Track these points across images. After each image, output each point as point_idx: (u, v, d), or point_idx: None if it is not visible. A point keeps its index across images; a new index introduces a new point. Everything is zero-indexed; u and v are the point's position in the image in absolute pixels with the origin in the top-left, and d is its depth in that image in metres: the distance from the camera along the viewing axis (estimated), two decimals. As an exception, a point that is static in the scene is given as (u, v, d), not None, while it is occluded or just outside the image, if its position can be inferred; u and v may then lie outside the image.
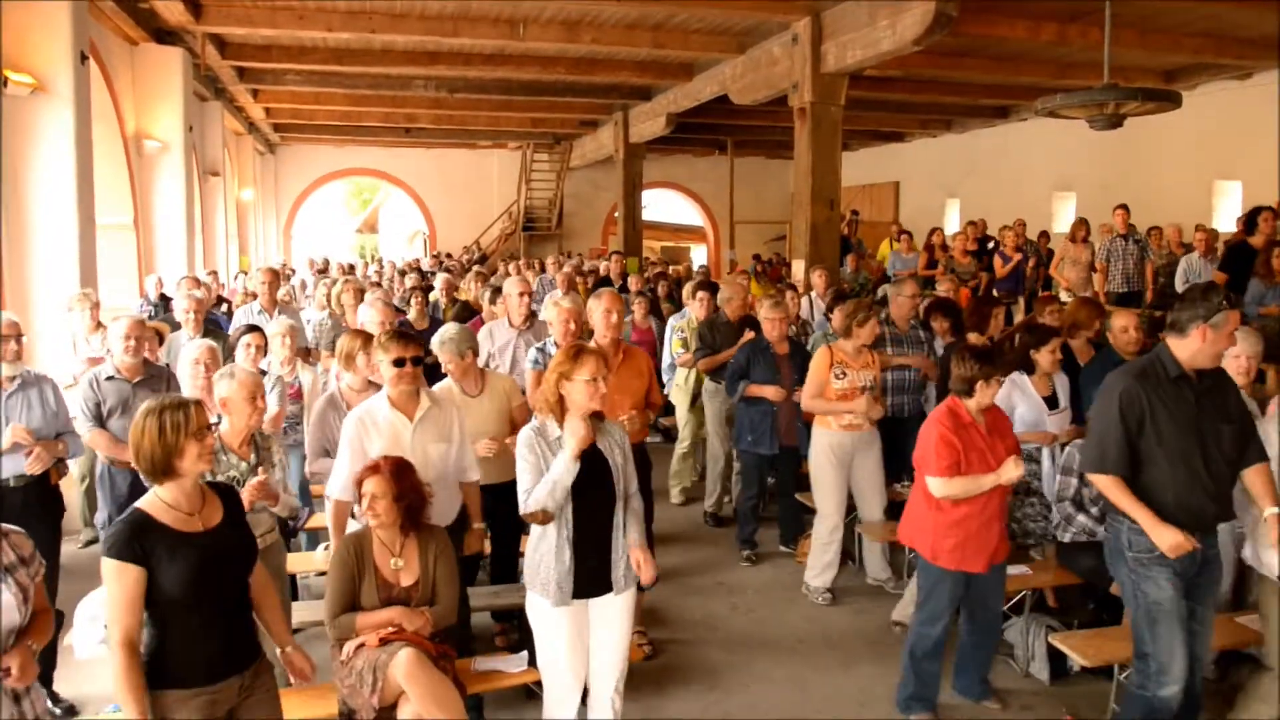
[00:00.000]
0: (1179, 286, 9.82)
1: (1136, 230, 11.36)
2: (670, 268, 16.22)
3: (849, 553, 6.50)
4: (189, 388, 4.99)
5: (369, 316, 5.98)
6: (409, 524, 3.92)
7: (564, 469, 3.57)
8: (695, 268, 16.05)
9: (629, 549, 3.80)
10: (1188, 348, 3.62)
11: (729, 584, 6.32)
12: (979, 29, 10.31)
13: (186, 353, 5.10)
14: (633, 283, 11.48)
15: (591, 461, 3.66)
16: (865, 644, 5.40)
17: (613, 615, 3.82)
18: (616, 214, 19.65)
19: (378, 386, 4.72)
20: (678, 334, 7.85)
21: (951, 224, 18.30)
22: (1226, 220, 13.47)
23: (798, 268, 10.69)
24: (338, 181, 26.88)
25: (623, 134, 17.70)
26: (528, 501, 3.61)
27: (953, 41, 11.20)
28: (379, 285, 12.64)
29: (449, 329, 5.19)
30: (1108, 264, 11.12)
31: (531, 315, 6.75)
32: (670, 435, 9.01)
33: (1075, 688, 4.85)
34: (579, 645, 3.79)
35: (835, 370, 5.85)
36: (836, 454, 5.93)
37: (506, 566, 5.34)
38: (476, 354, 5.23)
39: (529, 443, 3.69)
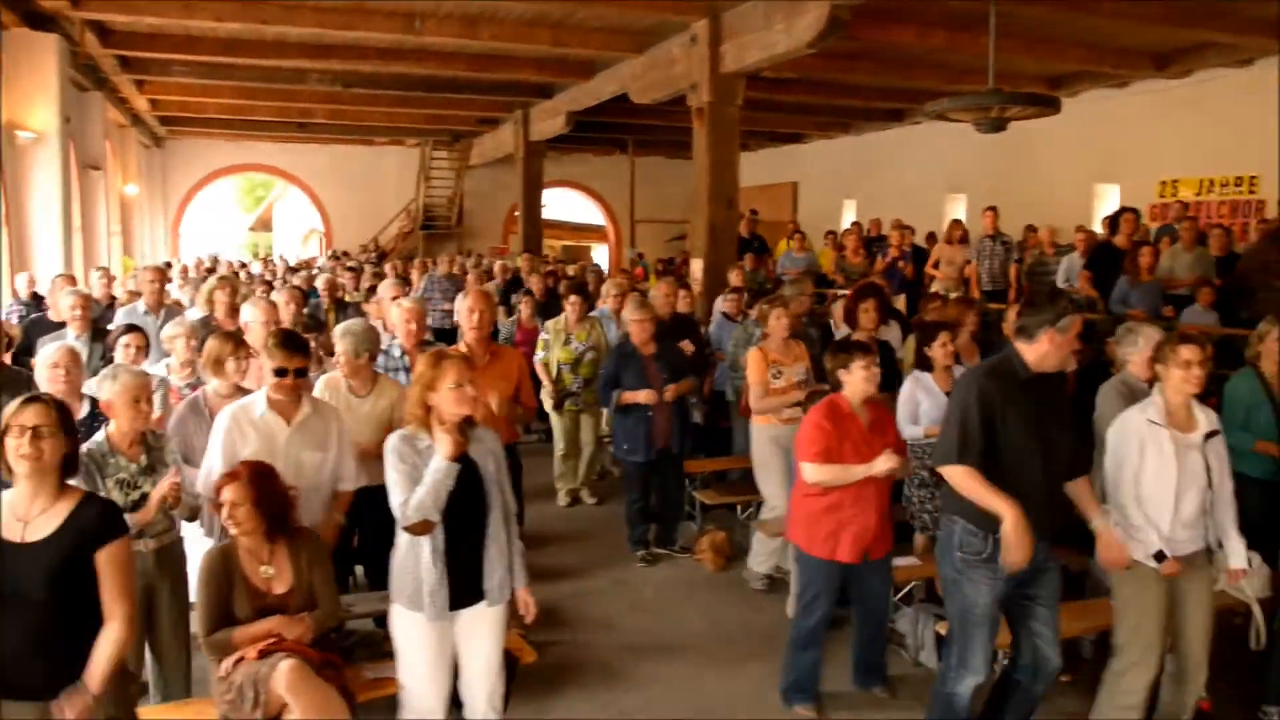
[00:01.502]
0: (1060, 286, 10.18)
1: (1004, 232, 11.74)
2: (563, 267, 16.16)
3: (744, 549, 6.55)
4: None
5: (252, 315, 5.77)
6: (275, 530, 3.78)
7: (444, 472, 3.48)
8: (590, 266, 15.98)
9: (517, 591, 3.75)
10: (1036, 351, 3.66)
11: (626, 583, 6.31)
12: (872, 33, 10.52)
13: (42, 356, 4.72)
14: (534, 282, 11.41)
15: (463, 470, 3.57)
16: (762, 640, 5.43)
17: (484, 627, 3.73)
18: (517, 213, 19.50)
19: (246, 393, 4.55)
20: (542, 334, 7.81)
21: (847, 225, 18.62)
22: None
23: (696, 267, 10.75)
24: (230, 177, 26.08)
25: (523, 132, 17.57)
26: (408, 511, 3.49)
27: (847, 45, 11.40)
28: (269, 284, 12.26)
29: (357, 323, 5.09)
30: (977, 263, 11.48)
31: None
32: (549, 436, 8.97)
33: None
34: (442, 659, 3.69)
35: (772, 370, 5.93)
36: (778, 445, 5.99)
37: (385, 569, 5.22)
38: (374, 358, 5.12)
39: (398, 451, 3.56)
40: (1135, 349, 4.74)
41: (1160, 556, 3.85)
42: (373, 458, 4.32)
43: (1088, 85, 13.96)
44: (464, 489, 3.56)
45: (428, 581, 3.56)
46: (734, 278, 9.66)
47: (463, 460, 3.56)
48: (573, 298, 7.99)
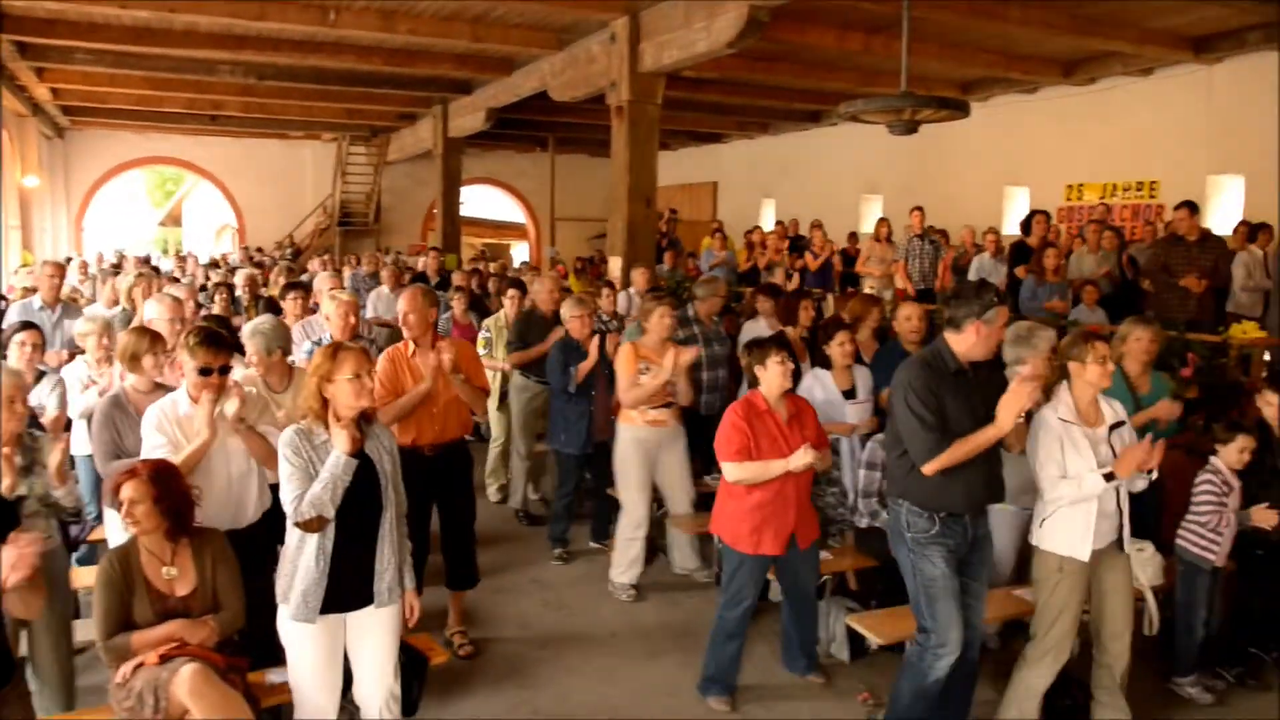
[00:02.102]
0: (971, 285, 10.40)
1: (932, 231, 11.98)
2: (486, 264, 16.06)
3: (660, 546, 6.57)
4: None
5: (156, 312, 5.60)
6: (176, 529, 3.67)
7: (341, 467, 3.42)
8: (516, 264, 15.93)
9: (405, 594, 3.72)
10: (964, 342, 3.84)
11: (542, 581, 6.28)
12: (791, 35, 10.66)
13: None
14: (456, 278, 11.30)
15: (360, 469, 3.51)
16: (674, 635, 5.46)
17: (376, 628, 3.67)
18: (436, 210, 19.29)
19: (166, 389, 4.44)
20: (484, 333, 7.74)
21: (767, 224, 18.82)
22: (1014, 224, 14.40)
23: (614, 265, 10.76)
24: (137, 170, 25.31)
25: (442, 128, 17.39)
26: (302, 506, 3.41)
27: (766, 46, 11.53)
28: (178, 281, 11.93)
29: (265, 321, 4.98)
30: (906, 262, 11.70)
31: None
32: (481, 433, 8.89)
33: (874, 665, 5.05)
34: (331, 663, 3.63)
35: (641, 365, 5.89)
36: (643, 449, 5.97)
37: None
38: (287, 353, 5.02)
39: (293, 445, 3.49)
40: (1033, 351, 4.84)
41: (1110, 477, 3.94)
42: None
43: (999, 90, 14.33)
44: (359, 487, 3.50)
45: (304, 581, 3.50)
46: (638, 278, 9.64)
47: (359, 457, 3.50)
48: (510, 292, 7.90)
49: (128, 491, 3.59)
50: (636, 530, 6.02)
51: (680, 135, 21.00)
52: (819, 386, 5.65)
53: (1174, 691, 4.79)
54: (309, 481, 3.44)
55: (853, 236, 15.55)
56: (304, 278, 10.76)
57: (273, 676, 4.07)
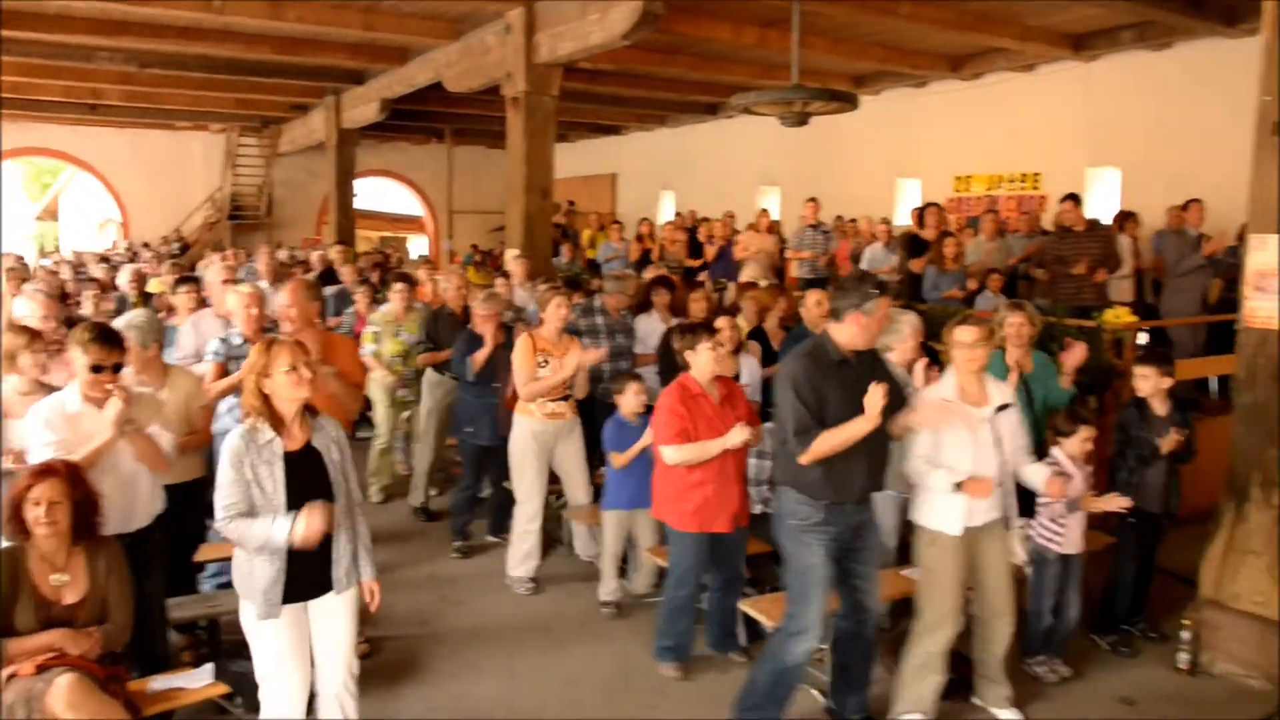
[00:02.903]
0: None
1: (841, 222, 12.20)
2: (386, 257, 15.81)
3: (557, 538, 6.57)
4: None
5: (27, 309, 5.35)
6: (79, 533, 3.56)
7: (281, 538, 3.38)
8: (413, 257, 15.70)
9: (363, 583, 3.73)
10: (845, 332, 3.93)
11: (440, 577, 6.22)
12: (687, 28, 10.71)
13: None
14: (346, 274, 11.09)
15: (307, 459, 3.52)
16: (575, 625, 5.48)
17: (336, 614, 3.67)
18: (331, 203, 18.86)
19: (49, 388, 4.27)
20: (370, 327, 7.60)
21: (666, 216, 18.94)
22: (906, 214, 14.75)
23: (510, 257, 10.69)
24: (9, 162, 24.12)
25: (335, 119, 16.99)
26: (229, 526, 3.41)
27: (663, 39, 11.58)
28: (55, 277, 11.45)
29: (138, 315, 4.83)
30: (798, 252, 11.89)
31: None
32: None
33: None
34: (299, 652, 3.60)
35: (539, 358, 5.88)
36: (539, 441, 5.96)
37: (185, 575, 4.98)
38: (162, 347, 4.87)
39: (237, 454, 3.43)
40: (898, 337, 5.02)
41: (959, 485, 4.06)
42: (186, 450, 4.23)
43: (889, 84, 14.64)
44: (309, 479, 3.50)
45: (262, 579, 3.47)
46: (516, 268, 9.64)
47: (306, 449, 3.53)
48: (398, 286, 7.72)
49: (46, 491, 3.46)
50: (531, 523, 6.00)
51: (579, 127, 20.94)
52: None
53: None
54: (243, 492, 3.40)
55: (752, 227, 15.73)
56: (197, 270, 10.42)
57: (155, 684, 3.96)
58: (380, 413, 7.74)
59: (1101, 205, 12.34)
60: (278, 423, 3.49)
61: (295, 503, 3.44)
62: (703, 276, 11.87)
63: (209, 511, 5.56)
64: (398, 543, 6.80)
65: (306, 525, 3.37)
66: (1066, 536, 4.85)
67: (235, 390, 5.13)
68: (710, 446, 4.59)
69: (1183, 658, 4.95)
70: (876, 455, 4.04)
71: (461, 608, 5.75)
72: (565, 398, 5.96)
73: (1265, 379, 4.80)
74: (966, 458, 4.13)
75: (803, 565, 3.99)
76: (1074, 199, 8.86)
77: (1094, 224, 9.13)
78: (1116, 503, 4.73)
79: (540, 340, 5.95)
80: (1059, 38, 11.76)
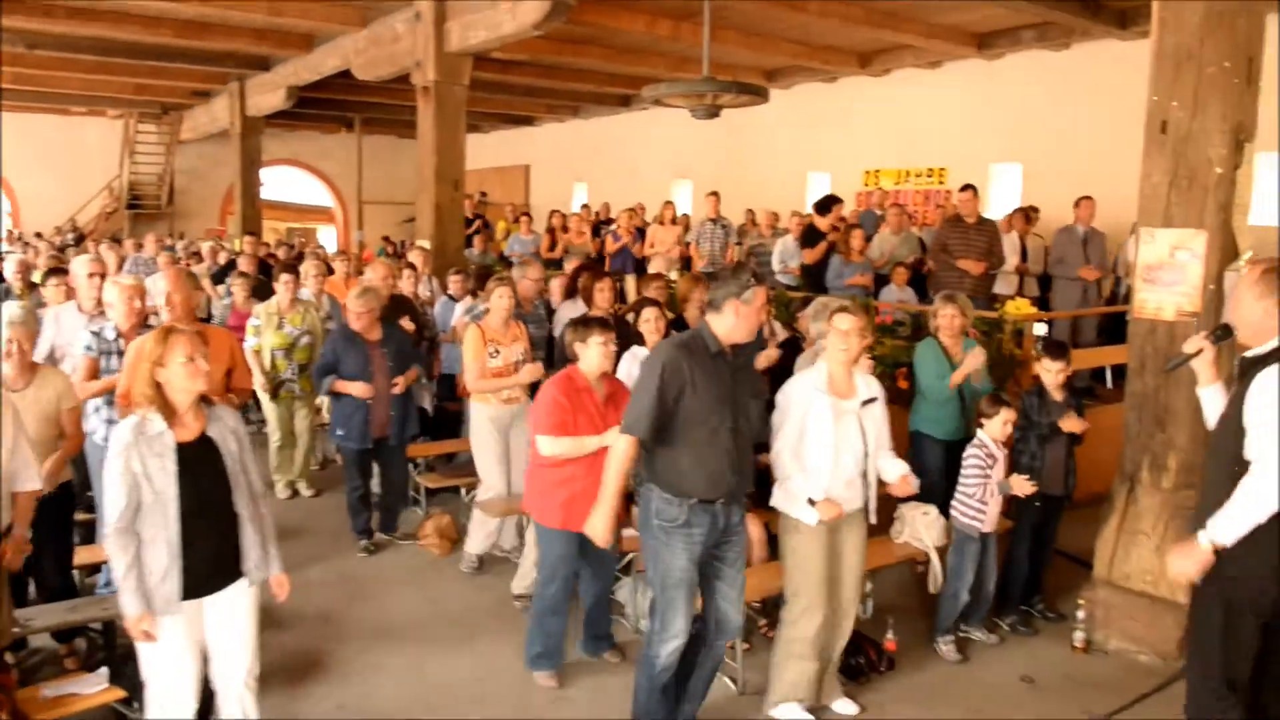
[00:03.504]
0: (775, 267, 10.76)
1: (724, 216, 12.28)
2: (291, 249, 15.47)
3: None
4: None
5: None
6: None
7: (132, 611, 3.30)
8: (316, 249, 15.39)
9: (271, 576, 3.64)
10: (724, 323, 3.79)
11: (347, 574, 6.10)
12: (600, 19, 10.70)
13: None
14: (244, 263, 10.83)
15: (204, 452, 3.40)
16: (486, 618, 5.43)
17: (236, 610, 3.56)
18: (236, 192, 18.39)
19: None
20: (253, 320, 7.44)
21: (579, 207, 18.91)
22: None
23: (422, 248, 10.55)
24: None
25: (239, 106, 16.58)
26: (112, 530, 3.29)
27: (576, 29, 11.54)
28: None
29: (20, 307, 4.61)
30: (698, 245, 11.97)
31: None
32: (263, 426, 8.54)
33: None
34: (190, 652, 3.48)
35: (489, 349, 5.90)
36: (497, 426, 5.95)
37: (60, 579, 4.78)
38: (33, 343, 4.66)
39: (126, 449, 3.30)
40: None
41: (812, 501, 4.10)
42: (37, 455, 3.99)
43: (801, 79, 14.83)
44: (206, 471, 3.41)
45: (154, 576, 3.34)
46: (418, 258, 9.57)
47: (201, 440, 3.42)
48: (284, 277, 7.58)
49: None
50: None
51: (492, 118, 20.78)
52: (636, 365, 5.70)
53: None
54: (131, 488, 3.29)
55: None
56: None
57: (47, 691, 3.82)
58: (267, 409, 7.56)
59: (1004, 200, 12.69)
60: (170, 414, 3.38)
61: (188, 496, 3.34)
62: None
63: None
64: (299, 541, 6.64)
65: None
66: (989, 516, 5.00)
67: (109, 391, 4.97)
68: (588, 443, 4.47)
69: (1078, 636, 5.12)
70: (742, 453, 3.91)
71: (370, 604, 5.65)
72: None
73: (1154, 367, 4.97)
74: (828, 450, 4.13)
75: (665, 567, 3.86)
76: (971, 190, 9.06)
77: (983, 219, 9.34)
78: (1027, 485, 4.94)
79: (488, 331, 5.97)
80: (964, 36, 12.05)
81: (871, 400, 4.29)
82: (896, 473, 4.30)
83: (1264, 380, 3.21)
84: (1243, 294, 3.42)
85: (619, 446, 3.79)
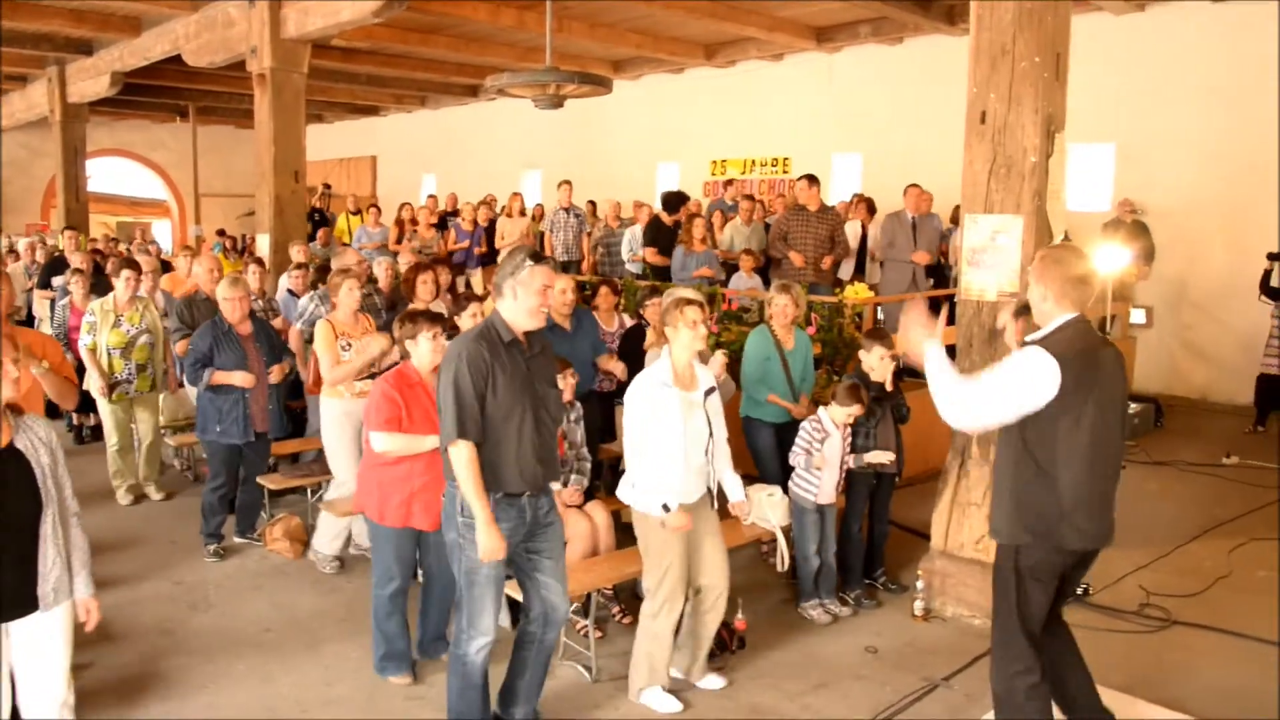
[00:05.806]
0: (624, 255, 10.85)
1: (576, 205, 12.35)
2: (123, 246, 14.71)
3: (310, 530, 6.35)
4: None
5: None
6: None
7: None
8: (148, 243, 14.67)
9: (78, 599, 3.40)
10: (509, 309, 3.73)
11: (189, 583, 5.84)
12: (444, 7, 10.56)
13: None
14: (79, 260, 10.22)
15: (8, 462, 3.15)
16: (335, 621, 5.29)
17: (44, 635, 3.32)
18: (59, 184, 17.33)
19: None
20: (88, 316, 7.07)
21: (425, 199, 18.63)
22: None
23: (263, 242, 10.19)
24: None
25: (59, 92, 15.61)
26: None
27: (420, 18, 11.35)
28: None
29: None
30: (552, 234, 11.98)
31: None
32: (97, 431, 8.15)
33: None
34: None
35: (341, 342, 5.85)
36: (350, 421, 5.84)
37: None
38: None
39: None
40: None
41: (666, 508, 4.15)
42: None
43: (648, 70, 14.96)
44: (12, 484, 3.15)
45: None
46: (297, 253, 9.28)
47: (8, 451, 3.16)
48: (125, 273, 7.22)
49: None
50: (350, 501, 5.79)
51: (336, 107, 20.21)
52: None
53: (802, 615, 5.34)
54: None
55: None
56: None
57: None
58: (104, 412, 7.19)
59: (845, 188, 13.11)
60: None
61: None
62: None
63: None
64: (137, 550, 6.35)
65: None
66: (821, 489, 5.24)
67: None
68: (425, 442, 4.39)
69: (918, 605, 5.36)
70: (547, 444, 3.85)
71: (214, 612, 5.43)
72: (372, 375, 5.77)
73: (980, 345, 5.24)
74: (678, 443, 4.18)
75: (470, 565, 3.75)
76: (810, 179, 9.33)
77: (824, 206, 9.65)
78: (884, 456, 5.32)
79: (338, 325, 5.93)
80: (804, 29, 12.39)
81: (711, 390, 4.38)
82: (736, 495, 4.49)
83: (1016, 354, 3.52)
84: (1029, 278, 3.66)
85: (462, 457, 3.64)
